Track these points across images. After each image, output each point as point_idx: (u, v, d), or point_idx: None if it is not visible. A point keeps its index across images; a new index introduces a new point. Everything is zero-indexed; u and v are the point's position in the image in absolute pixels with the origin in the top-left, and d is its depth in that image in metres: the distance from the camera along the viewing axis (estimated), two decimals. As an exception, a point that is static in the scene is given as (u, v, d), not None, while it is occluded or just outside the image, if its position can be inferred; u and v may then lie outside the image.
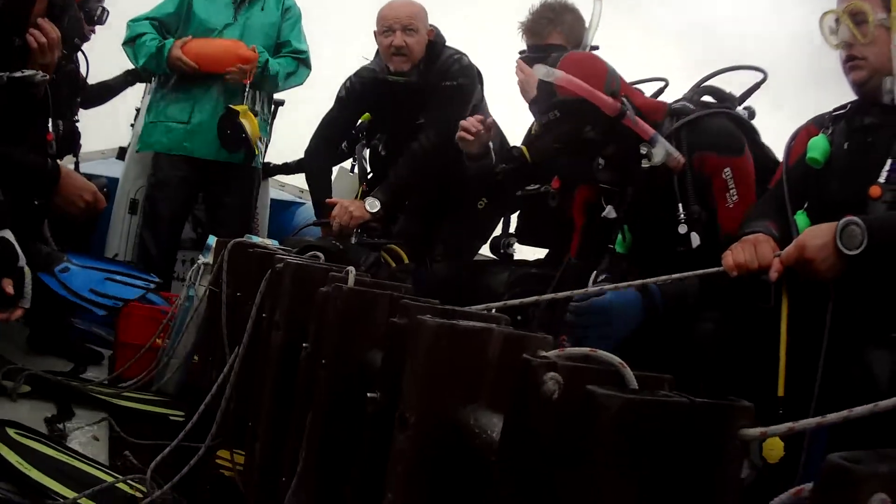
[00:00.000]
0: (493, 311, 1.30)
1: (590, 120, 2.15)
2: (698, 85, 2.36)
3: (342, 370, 1.17)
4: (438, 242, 3.23)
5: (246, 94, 3.64)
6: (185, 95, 3.73)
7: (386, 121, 3.41)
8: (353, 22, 4.31)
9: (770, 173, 2.17)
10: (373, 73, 3.31)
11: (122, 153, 4.56)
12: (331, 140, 3.49)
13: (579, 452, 0.61)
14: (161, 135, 3.75)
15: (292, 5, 3.91)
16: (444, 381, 0.83)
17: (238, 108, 3.57)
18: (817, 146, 1.95)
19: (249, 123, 3.58)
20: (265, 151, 4.04)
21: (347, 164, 3.88)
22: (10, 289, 1.75)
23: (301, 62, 3.87)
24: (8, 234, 1.79)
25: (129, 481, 1.78)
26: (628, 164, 2.20)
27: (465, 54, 3.28)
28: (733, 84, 2.41)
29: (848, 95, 1.99)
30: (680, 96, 2.37)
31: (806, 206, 1.97)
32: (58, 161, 2.54)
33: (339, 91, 3.41)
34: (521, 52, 2.93)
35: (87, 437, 2.15)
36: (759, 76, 2.38)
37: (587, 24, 2.90)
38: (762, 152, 2.25)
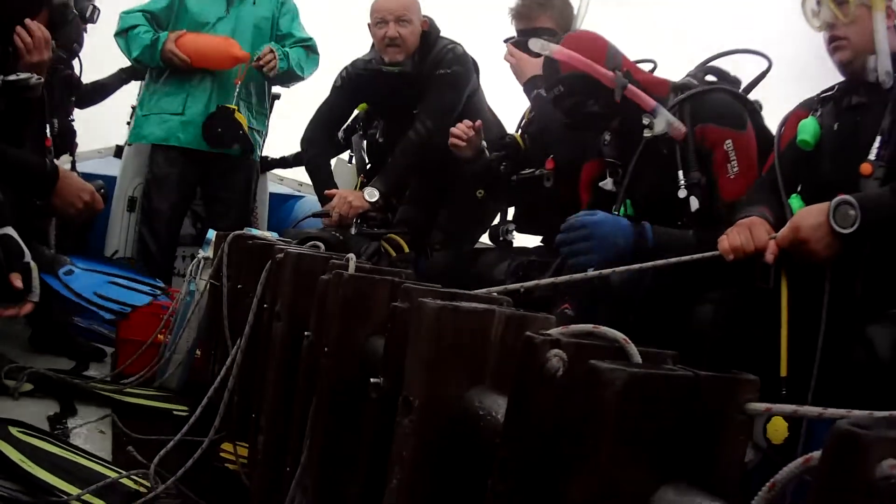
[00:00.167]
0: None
1: (593, 94, 2.21)
2: (703, 64, 2.36)
3: (345, 357, 1.17)
4: (438, 231, 3.23)
5: (238, 91, 3.70)
6: (178, 88, 3.73)
7: (383, 111, 3.41)
8: (346, 16, 4.30)
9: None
10: (368, 64, 3.30)
11: (119, 151, 4.55)
12: (327, 126, 3.48)
13: (584, 428, 0.61)
14: (155, 126, 3.76)
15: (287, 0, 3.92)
16: (447, 363, 0.82)
17: (230, 106, 3.66)
18: (807, 128, 1.96)
19: (242, 121, 3.68)
20: (262, 145, 4.05)
21: (345, 155, 3.87)
22: (18, 283, 1.73)
23: (309, 49, 3.92)
24: (11, 231, 1.78)
25: (133, 476, 1.78)
26: (633, 137, 2.22)
27: (459, 44, 3.27)
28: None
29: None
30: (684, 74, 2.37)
31: (799, 188, 1.98)
32: (55, 162, 2.53)
33: (335, 80, 3.41)
34: (506, 39, 2.94)
35: (90, 433, 2.15)
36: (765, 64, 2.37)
37: (575, 11, 2.92)
38: (764, 133, 2.25)
